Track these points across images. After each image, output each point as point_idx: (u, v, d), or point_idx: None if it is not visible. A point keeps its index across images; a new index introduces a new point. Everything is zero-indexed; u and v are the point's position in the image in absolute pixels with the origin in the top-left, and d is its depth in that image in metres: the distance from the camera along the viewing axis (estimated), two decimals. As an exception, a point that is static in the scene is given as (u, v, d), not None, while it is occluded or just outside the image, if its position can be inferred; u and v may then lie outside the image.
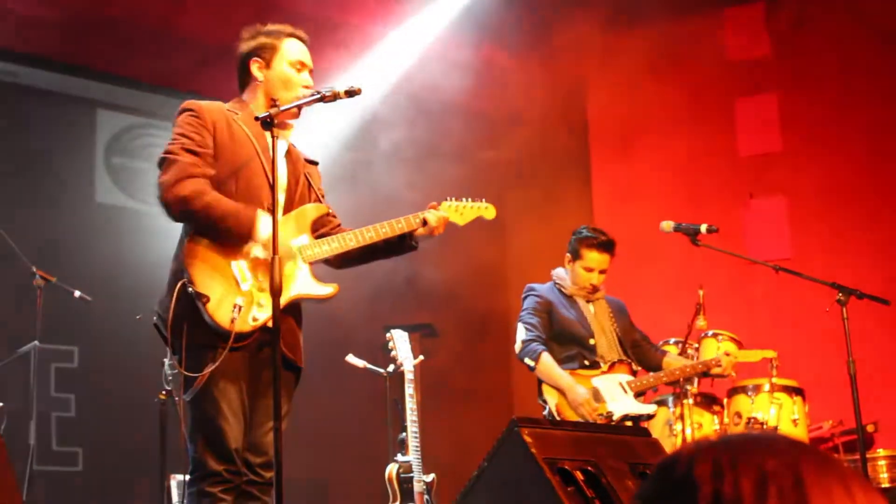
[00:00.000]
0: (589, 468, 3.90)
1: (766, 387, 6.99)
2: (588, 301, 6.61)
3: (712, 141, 9.27)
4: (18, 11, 8.24)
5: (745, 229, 8.98)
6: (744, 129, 9.33)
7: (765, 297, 7.27)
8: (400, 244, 4.77)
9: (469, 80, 8.86)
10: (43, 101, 9.05)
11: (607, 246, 6.58)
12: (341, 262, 4.79)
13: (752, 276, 7.67)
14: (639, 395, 6.41)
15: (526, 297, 6.58)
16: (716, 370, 6.58)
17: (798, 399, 7.04)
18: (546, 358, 6.26)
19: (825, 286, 6.44)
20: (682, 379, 6.57)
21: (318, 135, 8.01)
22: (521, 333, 6.41)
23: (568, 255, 6.64)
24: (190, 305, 4.32)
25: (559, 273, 6.68)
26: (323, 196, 4.88)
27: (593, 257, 6.53)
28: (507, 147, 9.32)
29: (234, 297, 4.33)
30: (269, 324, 4.32)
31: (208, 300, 4.30)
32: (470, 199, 4.99)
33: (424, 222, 4.71)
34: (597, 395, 6.22)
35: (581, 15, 8.76)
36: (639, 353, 6.72)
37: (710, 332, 6.95)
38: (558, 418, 6.10)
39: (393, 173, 8.65)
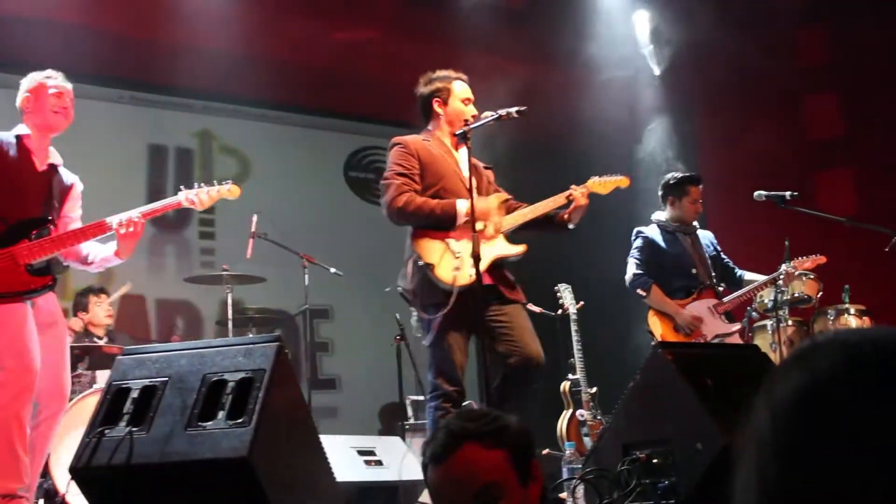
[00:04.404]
0: (717, 377, 3.81)
1: (843, 309, 6.76)
2: (686, 234, 6.25)
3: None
4: (274, 72, 8.51)
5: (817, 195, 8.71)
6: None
7: (837, 246, 7.01)
8: (558, 225, 4.82)
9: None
10: (291, 133, 9.33)
11: (701, 178, 6.34)
12: (519, 231, 4.85)
13: (826, 229, 7.37)
14: (725, 314, 6.11)
15: (635, 239, 6.24)
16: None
17: (867, 319, 6.78)
18: (656, 288, 6.01)
19: (884, 233, 6.20)
20: (757, 294, 6.36)
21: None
22: (632, 268, 6.12)
23: (670, 197, 6.24)
24: (423, 276, 4.49)
25: (658, 216, 6.31)
26: (498, 190, 4.94)
27: (697, 190, 6.22)
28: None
29: (452, 262, 4.44)
30: (482, 279, 4.44)
31: (434, 267, 4.46)
32: (609, 174, 4.98)
33: (569, 197, 4.73)
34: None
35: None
36: (726, 274, 6.39)
37: (797, 273, 6.70)
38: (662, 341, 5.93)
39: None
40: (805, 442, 0.81)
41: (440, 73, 4.89)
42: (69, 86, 4.48)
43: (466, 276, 4.43)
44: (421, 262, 4.49)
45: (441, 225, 4.55)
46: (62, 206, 4.49)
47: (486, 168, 4.97)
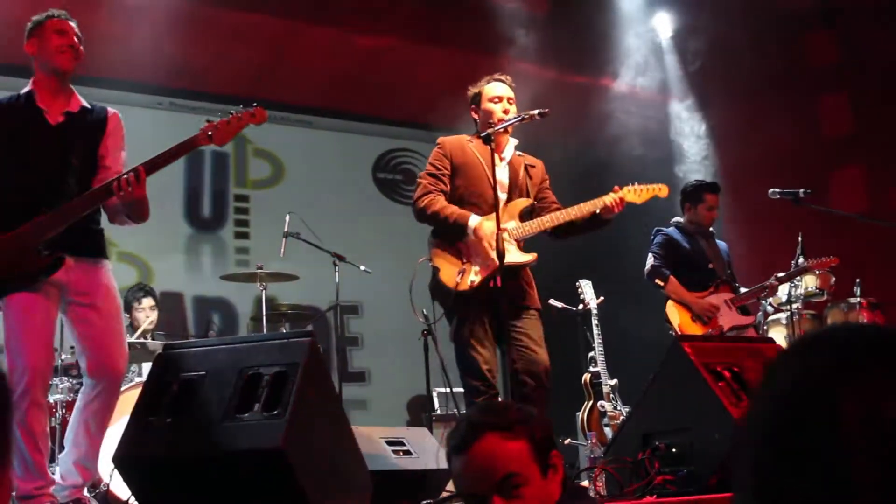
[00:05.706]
0: (734, 369, 3.81)
1: (854, 302, 6.71)
2: (703, 236, 6.34)
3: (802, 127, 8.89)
4: (305, 77, 8.53)
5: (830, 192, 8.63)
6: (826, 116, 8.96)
7: (849, 241, 6.95)
8: (596, 222, 4.59)
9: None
10: (321, 137, 9.36)
11: (718, 187, 6.42)
12: (556, 235, 4.71)
13: (838, 225, 7.30)
14: (740, 308, 6.17)
15: (655, 236, 6.32)
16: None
17: (878, 312, 6.73)
18: (673, 279, 6.08)
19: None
20: (774, 290, 6.33)
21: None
22: (650, 260, 6.19)
23: (687, 203, 6.35)
24: (433, 277, 4.52)
25: (677, 220, 6.39)
26: (544, 187, 4.80)
27: (713, 198, 6.31)
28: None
29: (457, 268, 4.42)
30: (485, 284, 4.41)
31: (439, 270, 4.49)
32: (647, 184, 4.70)
33: (604, 204, 4.50)
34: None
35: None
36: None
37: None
38: (681, 334, 5.91)
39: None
40: (797, 433, 0.81)
41: (483, 79, 4.81)
42: (73, 22, 3.98)
43: (468, 282, 4.43)
44: (430, 263, 4.55)
45: (454, 233, 4.53)
46: (100, 146, 4.00)
47: (530, 166, 4.79)
